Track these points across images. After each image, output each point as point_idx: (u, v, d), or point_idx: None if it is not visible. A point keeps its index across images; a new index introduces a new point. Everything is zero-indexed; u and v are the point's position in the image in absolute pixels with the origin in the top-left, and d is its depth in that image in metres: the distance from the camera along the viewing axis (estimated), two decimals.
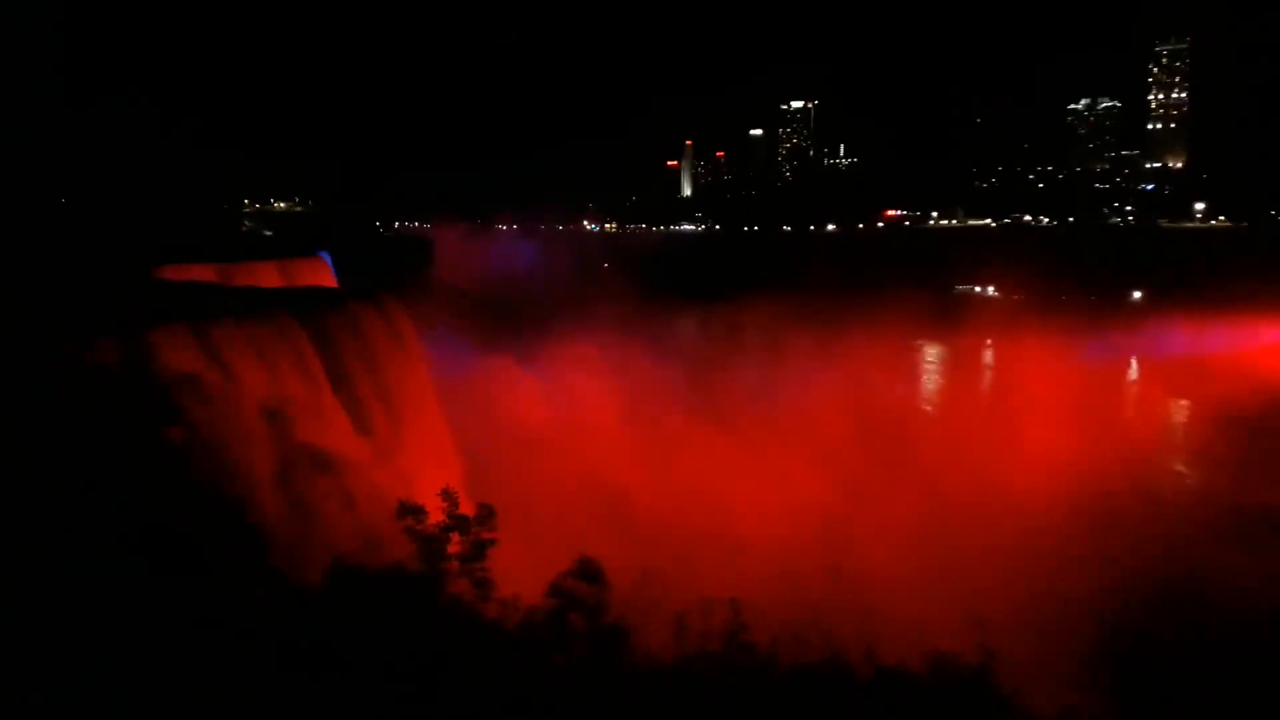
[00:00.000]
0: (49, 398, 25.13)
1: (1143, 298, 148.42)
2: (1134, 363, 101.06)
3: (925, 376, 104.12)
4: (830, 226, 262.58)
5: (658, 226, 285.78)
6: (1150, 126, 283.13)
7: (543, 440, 59.74)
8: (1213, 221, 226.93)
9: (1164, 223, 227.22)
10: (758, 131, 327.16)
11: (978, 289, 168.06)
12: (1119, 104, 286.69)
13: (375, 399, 41.89)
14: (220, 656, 15.89)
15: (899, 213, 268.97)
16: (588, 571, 19.34)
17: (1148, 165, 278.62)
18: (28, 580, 16.83)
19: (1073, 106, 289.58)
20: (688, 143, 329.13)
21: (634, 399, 68.22)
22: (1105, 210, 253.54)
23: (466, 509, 20.02)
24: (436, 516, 19.72)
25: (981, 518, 49.40)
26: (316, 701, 15.53)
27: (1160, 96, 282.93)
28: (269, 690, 15.40)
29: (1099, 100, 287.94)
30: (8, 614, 15.94)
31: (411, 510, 19.30)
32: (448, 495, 20.88)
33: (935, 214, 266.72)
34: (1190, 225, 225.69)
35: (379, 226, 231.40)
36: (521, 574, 20.02)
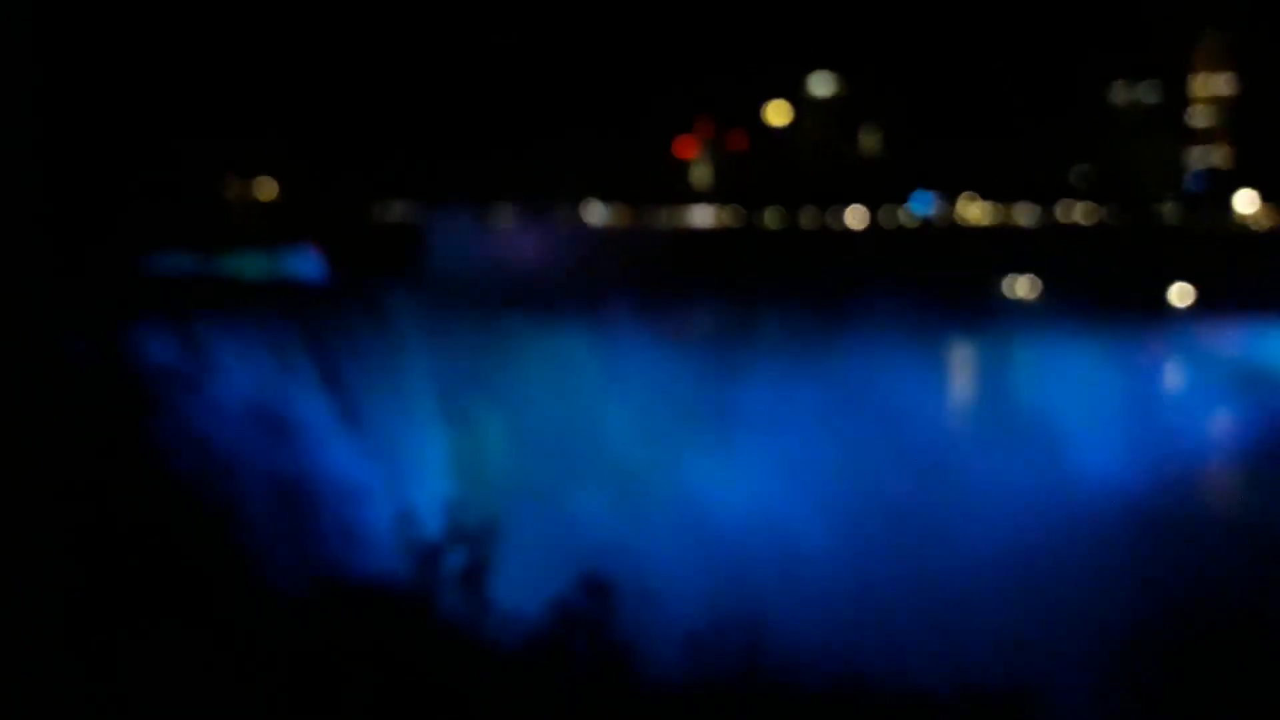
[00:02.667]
0: (21, 393, 25.16)
1: (1185, 296, 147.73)
2: (1177, 366, 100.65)
3: (955, 379, 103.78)
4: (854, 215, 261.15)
5: (667, 213, 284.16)
6: (1195, 119, 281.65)
7: (547, 441, 59.72)
8: (1260, 219, 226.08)
9: (1208, 219, 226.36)
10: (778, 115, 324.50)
11: (1011, 285, 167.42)
12: (1163, 94, 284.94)
13: (367, 398, 41.97)
14: (199, 668, 15.91)
15: None
16: (592, 586, 19.33)
17: (1192, 159, 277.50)
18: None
19: (1114, 97, 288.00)
20: (701, 125, 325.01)
21: (640, 398, 68.09)
22: (1146, 205, 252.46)
23: (465, 518, 20.04)
24: (433, 527, 19.78)
25: (1016, 533, 49.16)
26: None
27: (1206, 87, 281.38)
28: (249, 706, 15.42)
29: (1142, 90, 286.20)
30: None
31: (406, 520, 19.32)
32: (445, 505, 20.94)
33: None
34: (1235, 222, 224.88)
35: (369, 214, 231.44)
36: (524, 585, 20.04)
